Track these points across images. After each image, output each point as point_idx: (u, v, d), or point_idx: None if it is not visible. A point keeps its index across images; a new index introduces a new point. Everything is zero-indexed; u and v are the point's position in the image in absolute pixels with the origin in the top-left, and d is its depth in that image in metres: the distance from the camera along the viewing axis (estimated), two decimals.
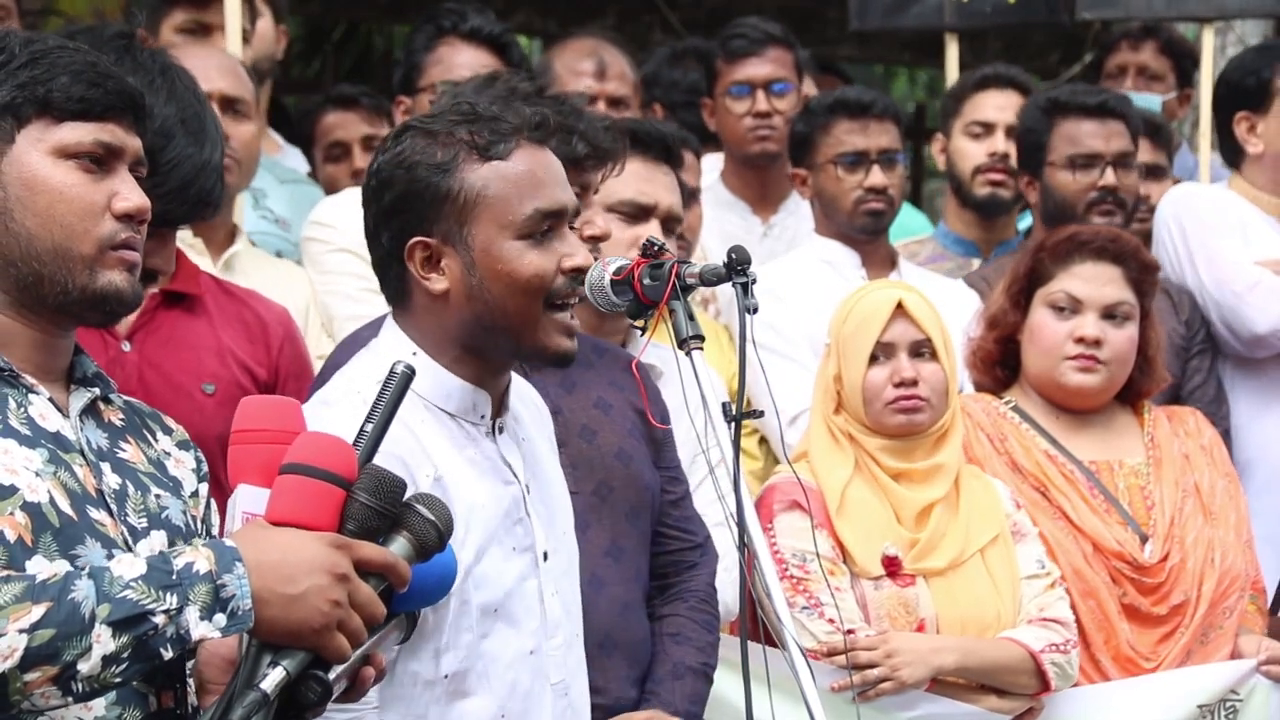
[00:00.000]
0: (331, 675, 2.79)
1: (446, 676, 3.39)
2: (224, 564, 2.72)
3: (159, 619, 2.68)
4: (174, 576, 2.70)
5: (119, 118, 2.98)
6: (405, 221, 3.42)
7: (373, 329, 4.21)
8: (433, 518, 2.87)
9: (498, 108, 3.51)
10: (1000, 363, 5.22)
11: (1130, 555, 4.98)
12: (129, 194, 2.96)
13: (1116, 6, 7.01)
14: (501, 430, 3.52)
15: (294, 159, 6.83)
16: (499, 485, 3.48)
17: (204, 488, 3.14)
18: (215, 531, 3.12)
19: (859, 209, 5.85)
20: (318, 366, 4.54)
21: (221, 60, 5.22)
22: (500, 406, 3.53)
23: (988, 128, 6.44)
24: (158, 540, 2.96)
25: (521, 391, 3.65)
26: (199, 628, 2.70)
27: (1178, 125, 7.21)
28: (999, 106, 6.44)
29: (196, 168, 3.36)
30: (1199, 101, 6.94)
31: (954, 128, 6.52)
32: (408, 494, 2.90)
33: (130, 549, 2.89)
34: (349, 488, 2.83)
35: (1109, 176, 5.93)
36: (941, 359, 4.85)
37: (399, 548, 2.86)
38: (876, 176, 5.84)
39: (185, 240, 4.91)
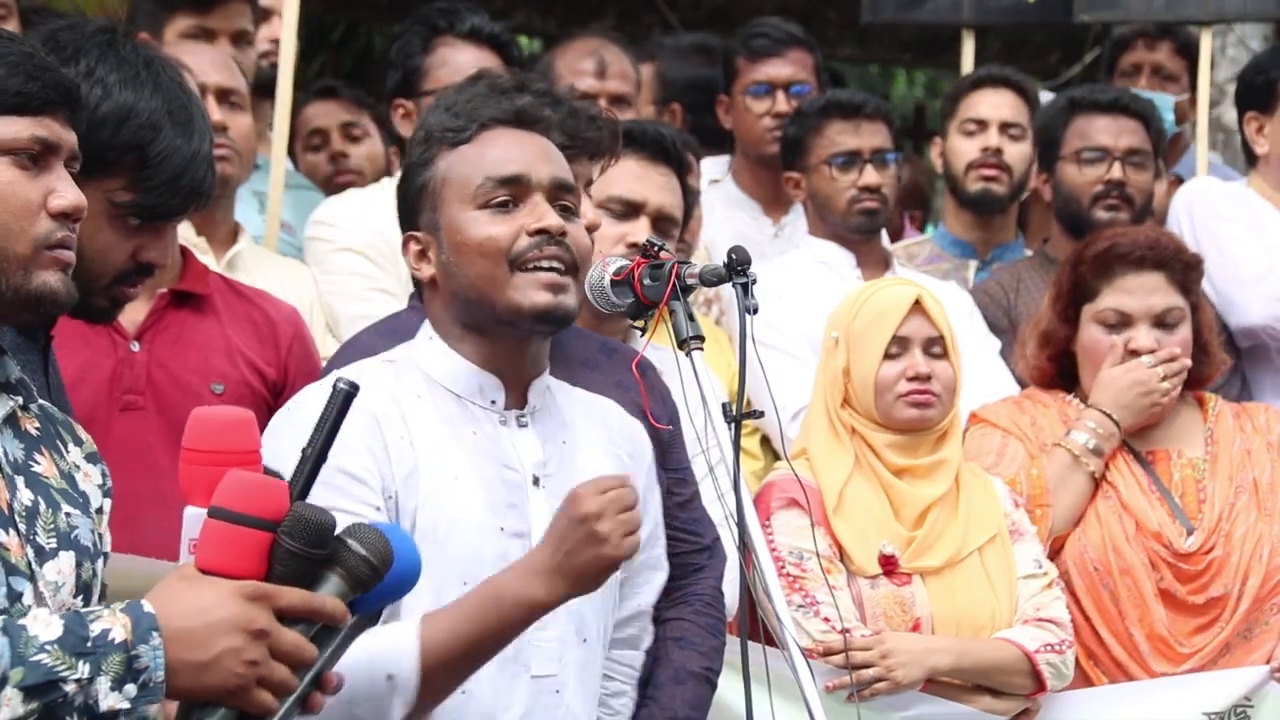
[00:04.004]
0: (279, 713, 2.75)
1: None
2: (140, 634, 2.64)
3: (70, 687, 2.60)
4: (89, 644, 2.62)
5: (55, 112, 2.88)
6: (405, 219, 3.63)
7: (376, 331, 4.25)
8: (365, 553, 2.78)
9: (477, 103, 3.57)
10: (1058, 374, 5.21)
11: (1168, 540, 4.98)
12: (65, 191, 2.86)
13: (1114, 9, 7.02)
14: (524, 424, 3.55)
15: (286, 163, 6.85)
16: (494, 467, 3.51)
17: (107, 503, 3.04)
18: (109, 548, 3.04)
19: (853, 208, 5.88)
20: None
21: (215, 55, 5.28)
22: (522, 398, 3.57)
23: (981, 124, 6.45)
24: (65, 562, 2.86)
25: (596, 407, 3.73)
26: (108, 699, 2.61)
27: (1189, 126, 7.22)
28: (994, 105, 6.46)
29: (186, 159, 3.32)
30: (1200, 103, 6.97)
31: (950, 128, 6.54)
32: (348, 512, 2.88)
33: (32, 574, 2.80)
34: (276, 528, 2.74)
35: (1116, 171, 5.96)
36: (951, 358, 4.87)
37: (332, 586, 2.77)
38: (870, 176, 5.87)
39: (189, 239, 4.93)
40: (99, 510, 3.01)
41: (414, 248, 3.59)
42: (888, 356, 4.84)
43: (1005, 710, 4.78)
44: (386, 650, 3.28)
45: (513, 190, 3.51)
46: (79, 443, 3.03)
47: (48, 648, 2.60)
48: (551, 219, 3.50)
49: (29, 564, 2.80)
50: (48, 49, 3.31)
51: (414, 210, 3.60)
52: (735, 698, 3.67)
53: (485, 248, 3.49)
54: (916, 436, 4.87)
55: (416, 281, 3.68)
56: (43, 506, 2.86)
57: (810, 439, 4.91)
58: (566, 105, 3.98)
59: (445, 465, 3.48)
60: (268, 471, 2.88)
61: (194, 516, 2.82)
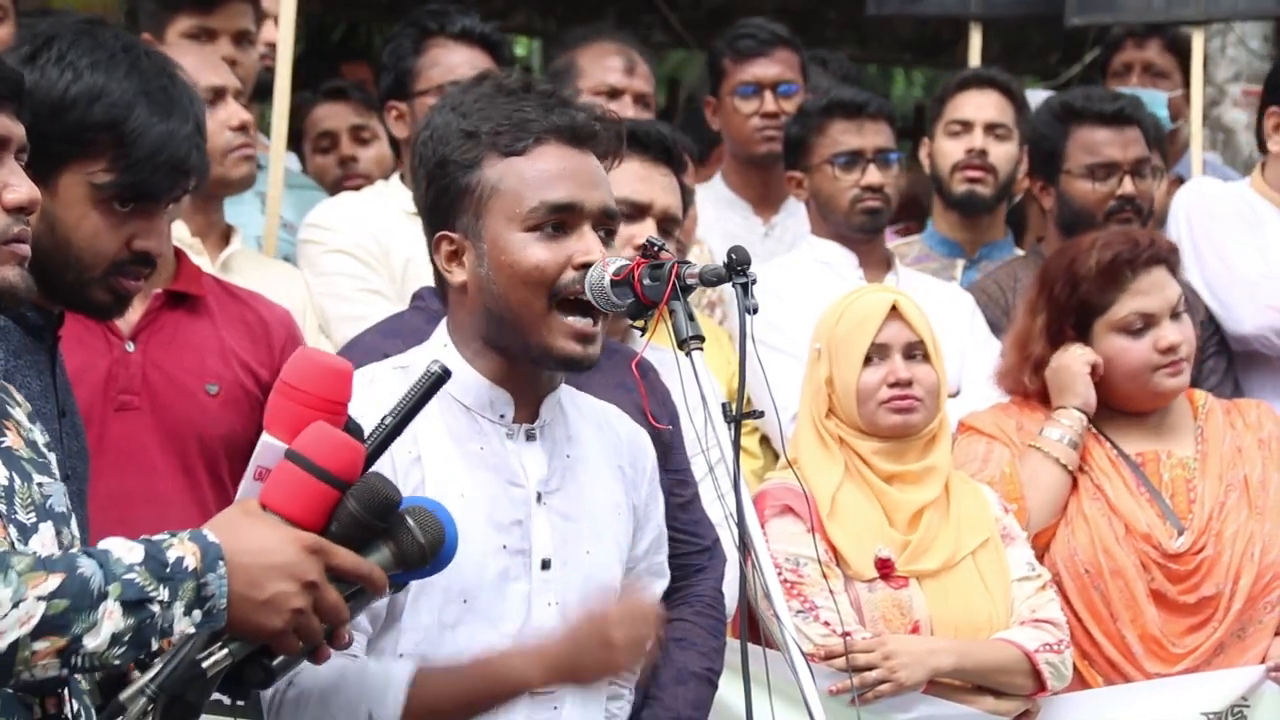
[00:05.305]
0: (277, 661, 2.87)
1: (402, 656, 3.42)
2: (208, 562, 2.74)
3: (156, 608, 2.70)
4: (168, 570, 2.71)
5: (2, 106, 2.88)
6: (437, 217, 3.54)
7: (379, 331, 4.23)
8: (423, 541, 2.90)
9: (530, 111, 3.54)
10: (1044, 388, 5.19)
11: (1158, 540, 4.98)
12: (19, 185, 2.88)
13: (1107, 11, 7.02)
14: (532, 438, 3.54)
15: (294, 163, 6.84)
16: (500, 484, 3.49)
17: (54, 458, 3.06)
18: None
19: (856, 208, 5.87)
20: None
21: (214, 57, 5.32)
22: (533, 413, 3.55)
23: (966, 125, 6.43)
24: (46, 533, 2.89)
25: (601, 415, 3.69)
26: (180, 622, 2.72)
27: (1184, 123, 7.22)
28: (978, 105, 6.45)
29: (163, 136, 3.27)
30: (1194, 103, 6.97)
31: (937, 129, 6.54)
32: (401, 491, 2.92)
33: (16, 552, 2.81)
34: (345, 489, 2.84)
35: (1127, 185, 5.97)
36: (933, 361, 4.86)
37: (380, 557, 2.88)
38: (873, 175, 5.86)
39: (185, 239, 4.94)
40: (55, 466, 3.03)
41: (446, 248, 3.52)
42: (868, 364, 4.83)
43: (1007, 711, 4.78)
44: (376, 689, 3.33)
45: (564, 217, 3.47)
46: (19, 404, 3.04)
47: (135, 568, 2.69)
48: (598, 254, 3.47)
49: (13, 544, 2.82)
50: (25, 38, 3.31)
51: (450, 210, 3.50)
52: (736, 700, 3.65)
53: (531, 276, 3.44)
54: (904, 442, 4.86)
55: (440, 282, 3.61)
56: (18, 482, 2.88)
57: (800, 449, 4.90)
58: (573, 106, 3.97)
59: (450, 482, 3.45)
60: (349, 426, 2.96)
61: (268, 446, 2.91)
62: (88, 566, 2.66)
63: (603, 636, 3.34)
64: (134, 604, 2.68)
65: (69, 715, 2.85)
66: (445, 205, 3.51)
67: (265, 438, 2.93)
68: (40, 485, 2.92)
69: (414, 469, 3.43)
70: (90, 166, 3.24)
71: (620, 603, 3.41)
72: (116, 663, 2.70)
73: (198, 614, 2.73)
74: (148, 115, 3.27)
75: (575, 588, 3.56)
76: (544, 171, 3.48)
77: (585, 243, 3.46)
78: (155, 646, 2.72)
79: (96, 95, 3.26)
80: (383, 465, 3.33)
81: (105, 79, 3.27)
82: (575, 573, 3.57)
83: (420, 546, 2.90)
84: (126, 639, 2.68)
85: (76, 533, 2.99)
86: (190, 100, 3.37)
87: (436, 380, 2.99)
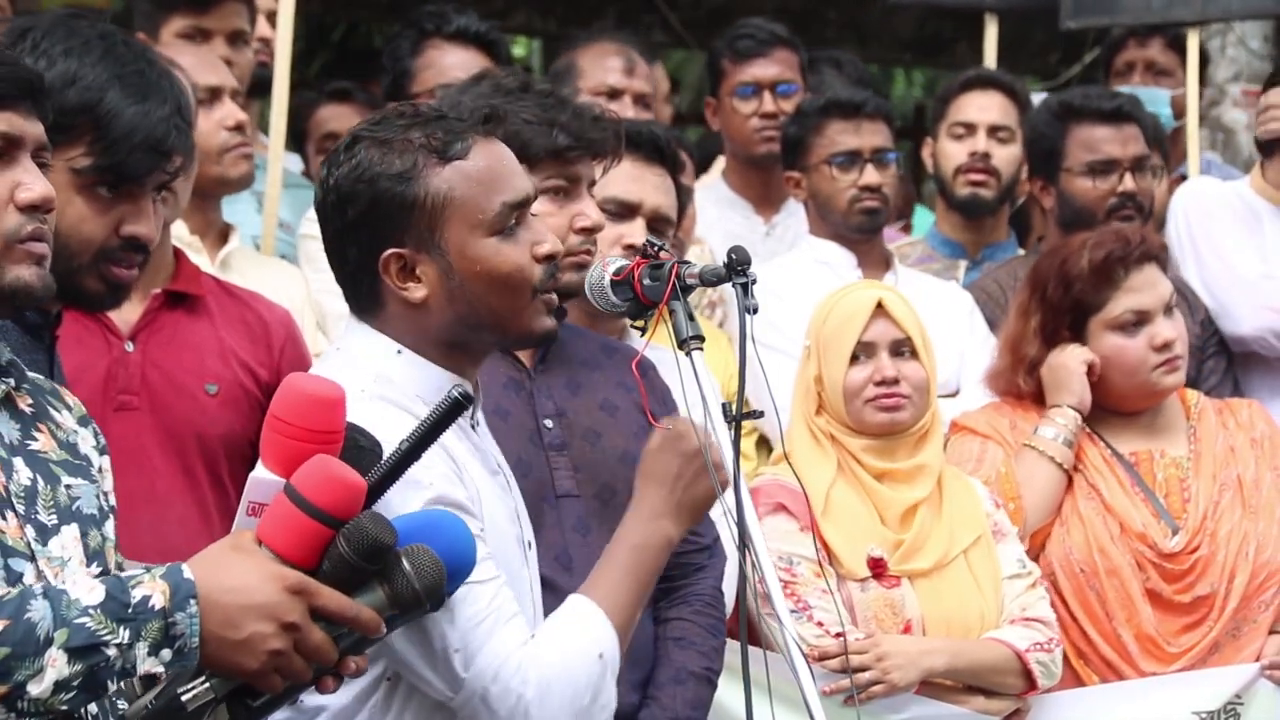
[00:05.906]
0: (260, 700, 2.81)
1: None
2: (178, 601, 2.69)
3: (111, 651, 2.65)
4: (130, 610, 2.66)
5: (17, 105, 2.85)
6: (374, 235, 3.38)
7: None
8: (416, 584, 2.82)
9: (444, 106, 3.52)
10: (1038, 390, 5.19)
11: (1153, 540, 4.98)
12: (33, 184, 2.85)
13: (1104, 13, 7.02)
14: (477, 424, 3.54)
15: (292, 162, 6.84)
16: (489, 476, 3.49)
17: (105, 461, 3.04)
18: (114, 501, 3.05)
19: (854, 208, 5.88)
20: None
21: (215, 59, 5.33)
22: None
23: (969, 128, 6.44)
24: (69, 535, 2.87)
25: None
26: (145, 663, 2.68)
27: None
28: (981, 107, 6.45)
29: (138, 117, 3.26)
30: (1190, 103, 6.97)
31: (940, 130, 6.54)
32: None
33: (33, 554, 2.81)
34: (339, 527, 2.78)
35: (1128, 182, 5.96)
36: (921, 358, 4.86)
37: (374, 599, 2.81)
38: (870, 175, 5.87)
39: (183, 238, 4.95)
40: (100, 470, 3.02)
41: (395, 265, 3.37)
42: (854, 361, 4.83)
43: (998, 710, 4.78)
44: (586, 635, 3.38)
45: (519, 213, 3.44)
46: (69, 407, 3.03)
47: (90, 611, 2.65)
48: (556, 243, 3.46)
49: (29, 544, 2.81)
50: (6, 33, 3.32)
51: (396, 226, 3.36)
52: (734, 702, 3.66)
53: (513, 279, 3.39)
54: (894, 440, 4.86)
55: (374, 299, 3.43)
56: (41, 484, 2.87)
57: (792, 446, 4.89)
58: (570, 106, 3.97)
59: (479, 485, 3.43)
60: (354, 444, 2.92)
61: (259, 480, 2.87)
62: (38, 611, 2.62)
63: (701, 464, 3.43)
64: (82, 650, 2.63)
65: (84, 716, 2.83)
66: (389, 221, 3.37)
67: (256, 471, 2.89)
68: (69, 487, 2.91)
69: (471, 484, 3.40)
70: (69, 152, 3.24)
71: (664, 431, 3.48)
72: (64, 708, 2.66)
73: (166, 653, 2.68)
74: (122, 98, 3.27)
75: (541, 560, 3.60)
76: (489, 171, 3.40)
77: (535, 232, 3.44)
78: (114, 688, 2.68)
79: (70, 80, 3.27)
80: (447, 475, 3.32)
81: (78, 64, 3.29)
82: (538, 544, 3.61)
83: (415, 591, 2.82)
84: (75, 684, 2.64)
85: (110, 535, 2.97)
86: (170, 84, 3.36)
87: (455, 406, 2.93)
